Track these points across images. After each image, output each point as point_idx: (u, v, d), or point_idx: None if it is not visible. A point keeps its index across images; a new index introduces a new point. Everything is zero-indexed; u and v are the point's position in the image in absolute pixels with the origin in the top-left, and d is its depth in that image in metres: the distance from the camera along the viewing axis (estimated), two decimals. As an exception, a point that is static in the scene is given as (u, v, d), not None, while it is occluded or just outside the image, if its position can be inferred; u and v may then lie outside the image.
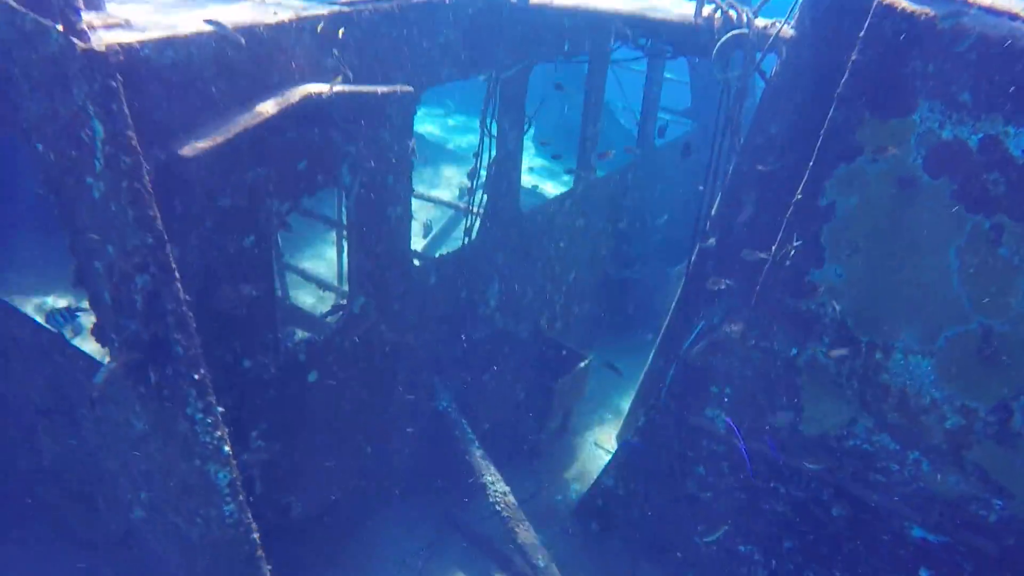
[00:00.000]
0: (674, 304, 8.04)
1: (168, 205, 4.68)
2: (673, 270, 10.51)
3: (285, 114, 4.94)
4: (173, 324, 4.46)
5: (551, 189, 13.42)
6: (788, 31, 6.31)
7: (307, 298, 9.77)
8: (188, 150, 4.58)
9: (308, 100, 5.04)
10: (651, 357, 8.46)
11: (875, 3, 5.27)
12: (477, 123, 7.32)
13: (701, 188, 6.94)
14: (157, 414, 4.87)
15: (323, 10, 5.40)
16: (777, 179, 6.60)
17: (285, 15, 5.13)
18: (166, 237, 4.38)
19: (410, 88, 5.86)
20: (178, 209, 4.76)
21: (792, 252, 6.11)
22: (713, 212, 7.26)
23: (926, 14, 5.13)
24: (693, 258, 7.44)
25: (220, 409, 4.78)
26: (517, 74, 7.14)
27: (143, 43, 4.32)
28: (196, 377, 4.58)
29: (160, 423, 4.94)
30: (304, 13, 5.24)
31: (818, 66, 6.12)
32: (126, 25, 4.51)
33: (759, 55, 6.36)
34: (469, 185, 7.59)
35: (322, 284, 9.59)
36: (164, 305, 4.40)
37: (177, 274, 4.44)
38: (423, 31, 6.14)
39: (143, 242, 4.27)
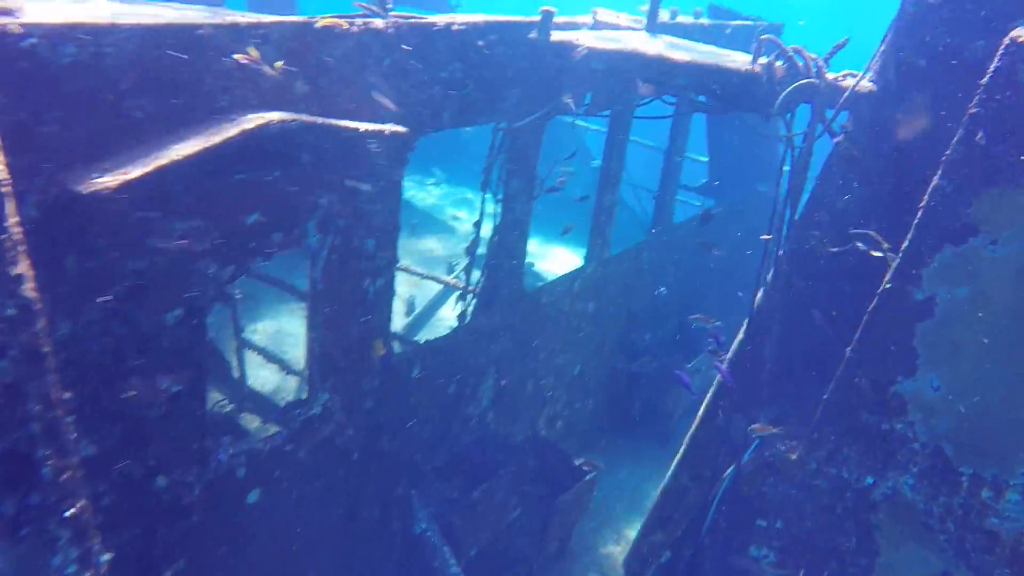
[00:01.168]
0: (703, 409, 6.68)
1: (54, 262, 3.33)
2: (689, 366, 9.19)
3: (234, 147, 3.62)
4: (40, 434, 3.03)
5: (548, 267, 12.19)
6: (867, 85, 5.17)
7: (270, 375, 8.32)
8: (90, 186, 3.25)
9: (267, 131, 3.74)
10: (671, 472, 7.03)
11: (1007, 41, 4.13)
12: (466, 195, 6.07)
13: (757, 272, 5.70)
14: (14, 565, 3.38)
15: (296, 21, 4.17)
16: (847, 263, 5.38)
17: (241, 17, 3.88)
18: (44, 307, 2.99)
19: (403, 129, 4.60)
20: (70, 268, 3.40)
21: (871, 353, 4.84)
22: (759, 301, 6.01)
23: (1075, 58, 3.99)
24: (732, 354, 6.14)
25: (107, 557, 3.31)
26: (532, 125, 5.93)
27: (27, 32, 3.03)
28: (70, 513, 3.13)
29: None
30: (267, 20, 3.99)
31: (916, 128, 4.97)
32: (9, 12, 3.21)
33: (831, 112, 5.20)
34: (465, 260, 6.31)
35: (286, 367, 8.14)
36: (27, 406, 2.99)
37: (56, 360, 3.04)
38: (422, 60, 4.93)
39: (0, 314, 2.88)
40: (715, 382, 6.58)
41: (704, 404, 6.68)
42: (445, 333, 6.35)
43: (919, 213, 4.57)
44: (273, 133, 3.76)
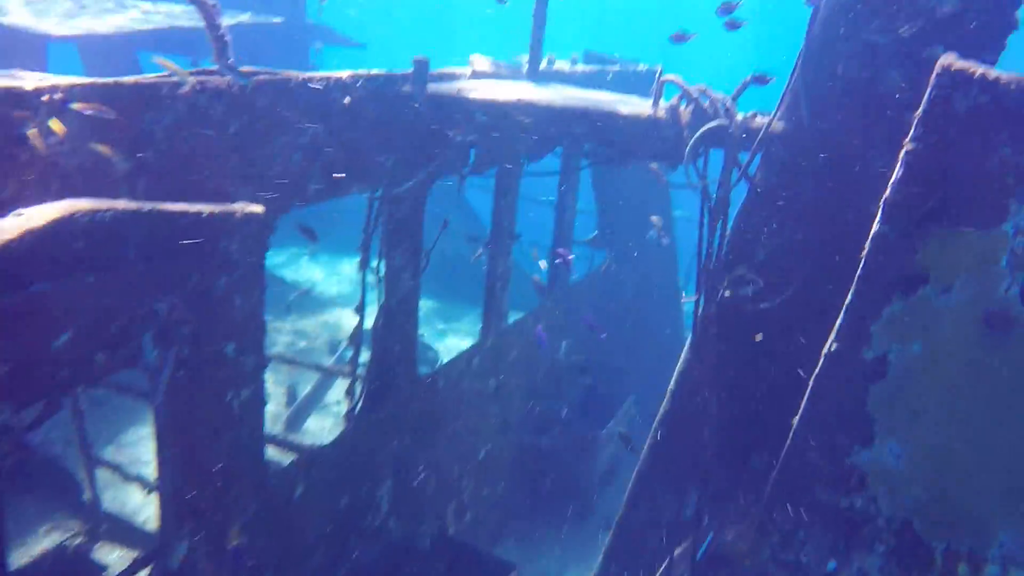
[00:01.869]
0: (631, 486, 6.01)
1: None
2: (602, 433, 8.54)
3: (21, 251, 2.70)
4: None
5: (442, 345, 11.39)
6: (778, 125, 4.70)
7: (135, 495, 7.10)
8: None
9: (67, 226, 2.83)
10: (600, 564, 6.30)
11: (938, 69, 3.70)
12: (349, 266, 5.25)
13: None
14: None
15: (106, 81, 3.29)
16: (773, 318, 4.86)
17: (31, 78, 2.99)
18: None
19: (258, 208, 3.76)
20: None
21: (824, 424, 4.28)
22: (682, 365, 5.41)
23: (1018, 83, 3.58)
24: (659, 424, 5.52)
25: None
26: (413, 190, 5.18)
27: None
28: None
29: None
30: (65, 82, 3.11)
31: (835, 165, 4.52)
32: None
33: (744, 155, 4.70)
34: (351, 346, 5.46)
35: (148, 486, 6.95)
36: None
37: None
38: (278, 124, 4.12)
39: None
40: (644, 454, 5.92)
41: (631, 484, 6.00)
42: (334, 431, 5.45)
43: (861, 263, 4.07)
44: (79, 227, 2.86)
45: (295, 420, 8.89)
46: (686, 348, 5.38)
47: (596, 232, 10.96)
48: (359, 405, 5.53)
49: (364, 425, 5.52)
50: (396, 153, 5.01)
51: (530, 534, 8.53)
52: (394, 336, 5.54)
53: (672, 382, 5.53)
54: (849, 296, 4.13)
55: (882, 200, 3.95)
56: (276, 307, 12.19)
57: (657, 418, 5.65)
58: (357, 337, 5.37)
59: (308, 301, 11.45)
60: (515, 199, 6.82)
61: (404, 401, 5.84)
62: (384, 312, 5.45)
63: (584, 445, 8.54)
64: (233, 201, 3.71)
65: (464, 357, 6.70)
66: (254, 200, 3.83)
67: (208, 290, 3.64)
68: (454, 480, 7.03)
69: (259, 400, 4.29)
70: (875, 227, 3.99)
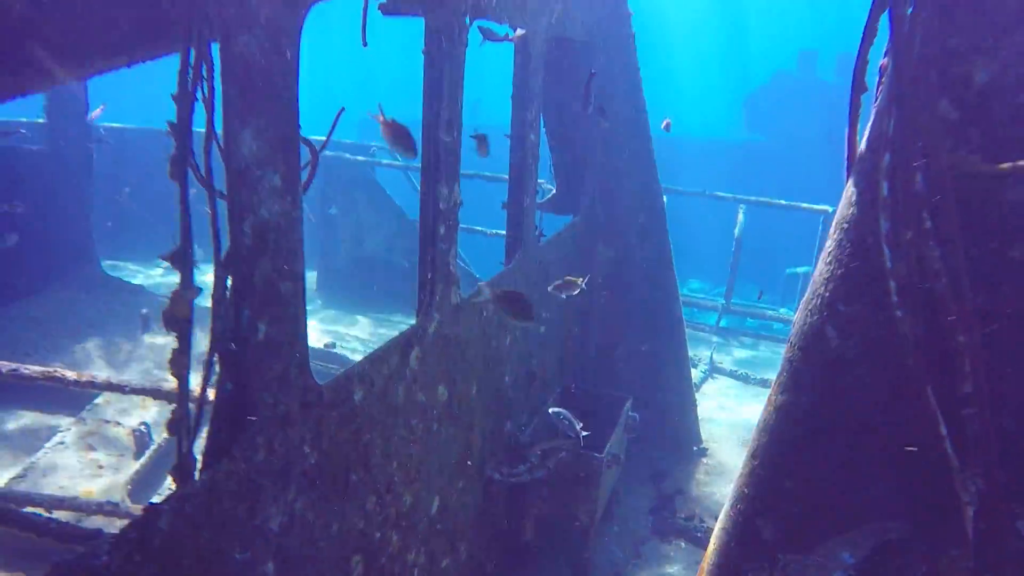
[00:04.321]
0: (716, 558, 3.50)
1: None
2: (603, 456, 5.97)
3: None
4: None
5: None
6: None
7: None
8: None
9: None
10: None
11: None
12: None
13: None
14: None
15: None
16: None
17: None
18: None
19: None
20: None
21: None
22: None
23: None
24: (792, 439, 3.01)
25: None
26: None
27: None
28: None
29: None
30: None
31: None
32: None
33: None
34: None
35: None
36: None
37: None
38: None
39: None
40: (735, 485, 3.46)
41: (716, 550, 3.48)
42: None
43: None
44: None
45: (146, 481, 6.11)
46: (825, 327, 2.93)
47: (554, 192, 8.45)
48: (200, 457, 2.81)
49: (215, 489, 2.80)
50: None
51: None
52: (262, 318, 2.85)
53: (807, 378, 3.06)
54: None
55: None
56: (128, 322, 9.46)
57: (774, 436, 3.15)
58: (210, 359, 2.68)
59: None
60: (460, 78, 4.22)
61: (285, 434, 3.14)
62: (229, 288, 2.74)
63: (579, 474, 5.95)
64: None
65: (393, 348, 4.02)
66: None
67: None
68: (395, 555, 4.34)
69: None
70: None
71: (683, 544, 6.93)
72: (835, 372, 3.09)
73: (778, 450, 3.28)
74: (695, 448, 8.52)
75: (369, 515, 3.96)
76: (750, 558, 3.33)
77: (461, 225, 4.68)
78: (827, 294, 3.08)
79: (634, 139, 7.98)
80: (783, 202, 11.83)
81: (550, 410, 5.84)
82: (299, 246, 3.00)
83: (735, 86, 37.51)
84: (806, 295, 3.25)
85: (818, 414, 3.17)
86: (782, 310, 13.47)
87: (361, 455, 3.78)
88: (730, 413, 9.53)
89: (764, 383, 10.45)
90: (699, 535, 6.95)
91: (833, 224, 3.16)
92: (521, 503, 6.03)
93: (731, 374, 10.70)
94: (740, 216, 12.28)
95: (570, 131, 7.83)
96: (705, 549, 3.72)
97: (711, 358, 10.86)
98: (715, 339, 11.98)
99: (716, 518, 7.57)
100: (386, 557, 4.21)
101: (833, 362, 3.08)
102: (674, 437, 8.40)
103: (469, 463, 5.26)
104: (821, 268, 3.14)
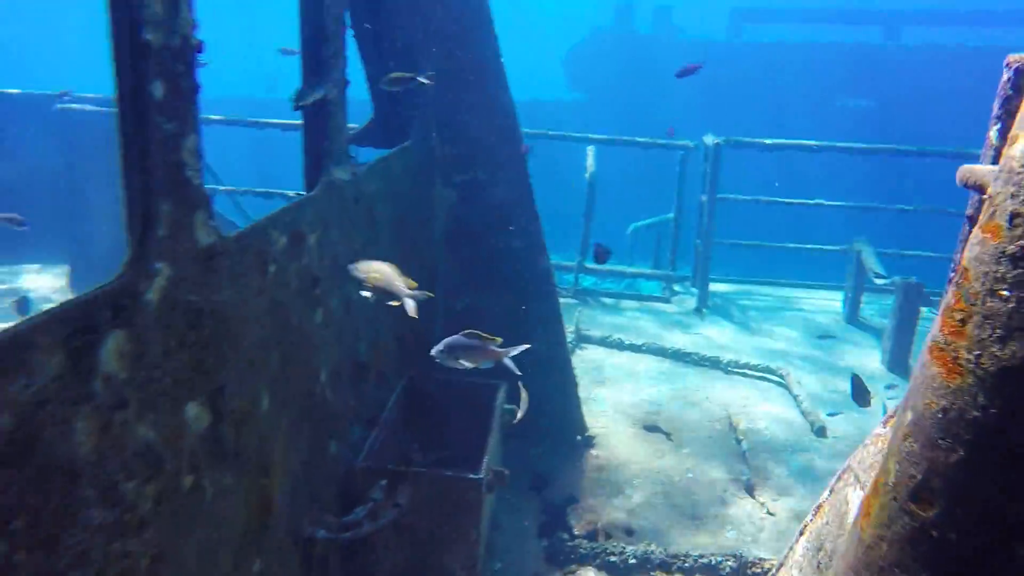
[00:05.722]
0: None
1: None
2: (480, 477, 3.95)
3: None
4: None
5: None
6: None
7: None
8: None
9: None
10: None
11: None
12: None
13: None
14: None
15: None
16: None
17: None
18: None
19: None
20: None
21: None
22: None
23: None
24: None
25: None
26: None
27: None
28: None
29: None
30: None
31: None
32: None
33: None
34: None
35: None
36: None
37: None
38: None
39: None
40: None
41: None
42: None
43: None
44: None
45: None
46: None
47: (370, 123, 6.27)
48: None
49: None
50: None
51: None
52: None
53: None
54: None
55: None
56: None
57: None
58: None
59: None
60: None
61: None
62: None
63: (447, 509, 3.91)
64: None
65: (47, 344, 1.79)
66: None
67: None
68: None
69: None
70: None
71: (591, 574, 5.09)
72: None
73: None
74: (579, 438, 6.70)
75: None
76: None
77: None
78: None
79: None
80: (640, 139, 10.31)
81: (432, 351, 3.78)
82: None
83: (555, 45, 36.40)
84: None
85: None
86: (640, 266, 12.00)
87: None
88: (611, 389, 7.81)
89: (636, 348, 8.85)
90: (612, 560, 5.11)
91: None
92: (363, 565, 3.91)
93: (601, 341, 8.99)
94: (590, 158, 10.65)
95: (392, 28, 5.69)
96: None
97: (576, 324, 9.10)
98: (574, 302, 10.26)
99: (621, 530, 5.82)
100: None
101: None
102: (553, 427, 6.51)
103: (269, 525, 3.09)
104: None
